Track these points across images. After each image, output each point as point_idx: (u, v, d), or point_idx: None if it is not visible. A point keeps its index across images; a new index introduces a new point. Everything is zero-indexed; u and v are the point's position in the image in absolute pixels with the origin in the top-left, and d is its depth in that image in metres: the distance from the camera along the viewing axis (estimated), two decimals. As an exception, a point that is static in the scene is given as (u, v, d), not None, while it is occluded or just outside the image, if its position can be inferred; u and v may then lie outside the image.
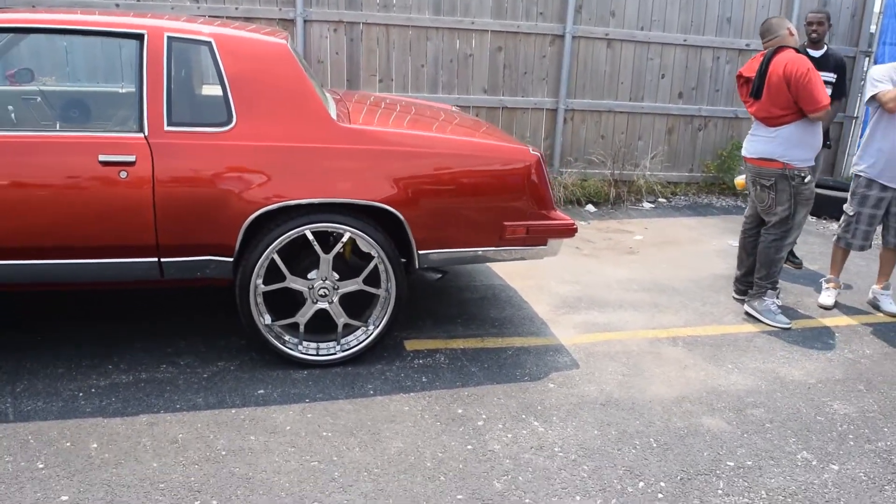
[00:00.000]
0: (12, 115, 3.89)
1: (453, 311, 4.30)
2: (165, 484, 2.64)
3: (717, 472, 2.91)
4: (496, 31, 6.60)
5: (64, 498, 2.55)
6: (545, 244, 3.70)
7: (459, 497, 2.66)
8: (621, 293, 4.77)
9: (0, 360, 3.44)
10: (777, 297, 4.47)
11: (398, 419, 3.14)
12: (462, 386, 3.45)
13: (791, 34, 4.21)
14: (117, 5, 5.91)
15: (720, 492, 2.79)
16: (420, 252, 3.48)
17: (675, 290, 4.87)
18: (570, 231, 3.72)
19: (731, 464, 2.97)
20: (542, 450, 2.98)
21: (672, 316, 4.44)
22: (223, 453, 2.84)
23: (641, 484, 2.81)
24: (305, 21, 6.17)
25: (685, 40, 7.11)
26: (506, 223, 3.56)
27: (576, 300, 4.59)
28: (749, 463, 2.98)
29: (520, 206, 3.58)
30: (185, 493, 2.59)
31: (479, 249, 3.60)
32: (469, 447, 2.97)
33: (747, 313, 4.48)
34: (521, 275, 4.92)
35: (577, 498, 2.70)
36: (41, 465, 2.71)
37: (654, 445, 3.07)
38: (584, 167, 7.08)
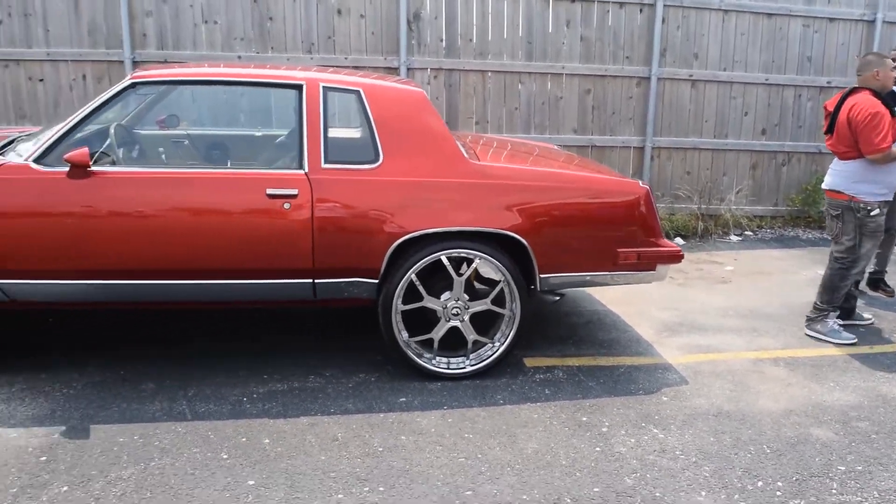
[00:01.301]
0: (183, 154, 4.44)
1: (564, 333, 4.62)
2: (336, 473, 3.02)
3: (830, 474, 3.15)
4: (585, 75, 6.99)
5: (251, 482, 2.94)
6: (654, 269, 4.00)
7: (596, 490, 2.97)
8: (719, 319, 5.01)
9: (171, 370, 3.90)
10: (838, 318, 4.68)
11: (529, 425, 3.47)
12: (582, 398, 3.76)
13: (876, 77, 4.43)
14: (239, 57, 6.50)
15: (834, 491, 3.02)
16: (542, 276, 3.83)
17: (771, 316, 5.09)
18: (677, 257, 4.02)
19: (843, 468, 3.20)
20: (664, 453, 3.27)
21: (770, 339, 4.67)
22: (380, 449, 3.21)
23: (760, 483, 3.06)
24: (408, 69, 6.66)
25: (767, 79, 7.38)
26: (619, 250, 3.89)
27: (676, 325, 4.86)
28: (859, 468, 3.21)
29: (631, 235, 3.91)
30: (354, 481, 2.96)
31: (595, 273, 3.93)
32: (597, 449, 3.28)
33: (810, 336, 4.68)
34: (621, 302, 5.22)
35: (703, 493, 2.98)
36: (225, 456, 3.12)
37: (768, 451, 3.32)
38: (671, 202, 7.36)
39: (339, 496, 2.86)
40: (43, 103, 6.47)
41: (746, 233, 7.44)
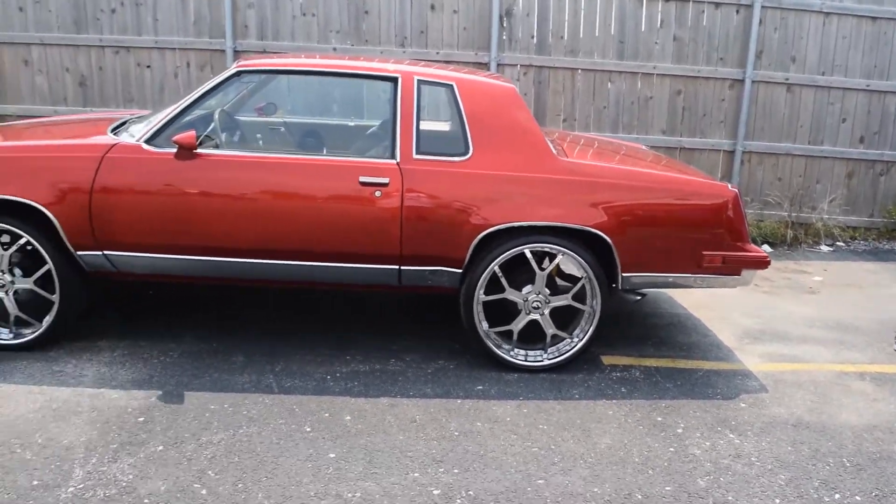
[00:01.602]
0: (280, 140, 4.63)
1: (643, 333, 4.62)
2: (413, 453, 3.13)
3: (913, 493, 3.08)
4: (676, 76, 6.91)
5: (331, 455, 3.08)
6: (739, 274, 3.97)
7: (668, 489, 2.99)
8: (804, 329, 4.91)
9: (260, 345, 4.09)
10: None
11: (604, 421, 3.50)
12: (659, 398, 3.77)
13: None
14: (334, 49, 6.69)
15: (917, 509, 2.96)
16: (624, 274, 3.85)
17: (860, 330, 4.96)
18: (763, 263, 3.97)
19: (927, 487, 3.12)
20: (739, 458, 3.25)
21: (858, 353, 4.55)
22: (456, 433, 3.30)
23: (837, 496, 3.02)
24: (498, 65, 6.73)
25: (868, 85, 7.14)
26: (704, 252, 3.87)
27: (759, 332, 4.79)
28: (945, 488, 3.13)
29: (717, 237, 3.88)
30: (430, 462, 3.06)
31: (679, 275, 3.92)
32: (671, 449, 3.29)
33: None
34: (702, 306, 5.17)
35: (777, 501, 2.96)
36: (308, 429, 3.27)
37: (847, 465, 3.26)
38: (760, 208, 7.21)
39: (415, 475, 2.97)
40: (149, 88, 6.81)
41: (838, 243, 7.22)
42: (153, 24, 6.67)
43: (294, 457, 3.05)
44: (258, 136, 4.61)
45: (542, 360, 3.93)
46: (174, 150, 3.63)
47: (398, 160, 3.67)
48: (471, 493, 2.87)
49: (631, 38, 6.82)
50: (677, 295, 5.36)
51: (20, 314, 3.87)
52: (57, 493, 2.74)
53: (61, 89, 6.84)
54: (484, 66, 6.73)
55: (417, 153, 3.69)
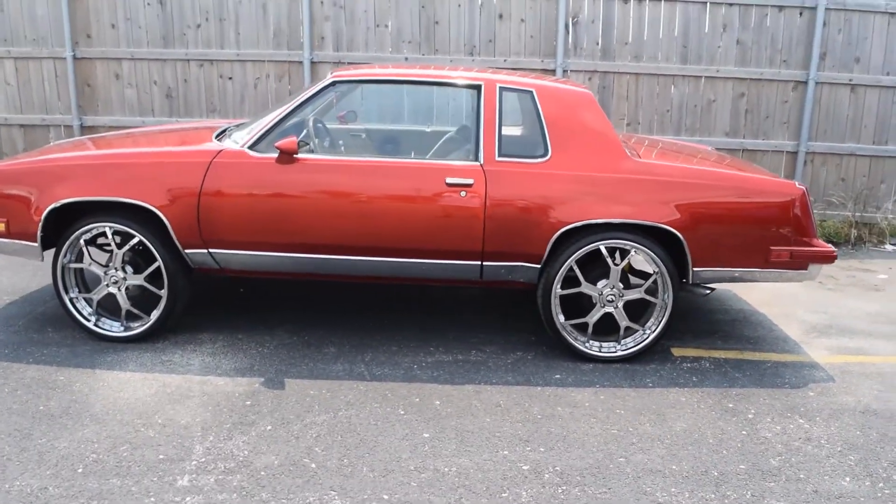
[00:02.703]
0: (365, 145, 4.94)
1: (710, 327, 4.79)
2: (500, 433, 3.37)
3: (982, 475, 3.21)
4: (739, 79, 7.04)
5: (426, 435, 3.34)
6: (806, 269, 4.12)
7: (742, 467, 3.17)
8: (870, 324, 5.02)
9: (349, 336, 4.38)
10: None
11: (678, 406, 3.70)
12: (729, 387, 3.95)
13: None
14: (406, 59, 6.99)
15: None
16: (695, 269, 4.04)
17: (926, 325, 5.05)
18: (829, 258, 4.12)
19: None
20: (809, 441, 3.42)
21: (924, 346, 4.66)
22: (539, 417, 3.53)
23: (907, 476, 3.18)
24: (564, 71, 6.95)
25: (933, 85, 7.16)
26: (772, 247, 4.04)
27: (825, 327, 4.92)
28: None
29: (785, 233, 4.04)
30: (517, 442, 3.30)
31: (747, 269, 4.09)
32: (744, 432, 3.47)
33: None
34: (767, 303, 5.31)
35: (847, 479, 3.12)
36: (402, 412, 3.54)
37: (916, 449, 3.41)
38: (824, 208, 7.28)
39: (505, 452, 3.21)
40: (231, 99, 7.21)
41: (904, 243, 7.26)
42: (235, 38, 7.07)
43: (392, 436, 3.32)
44: (347, 141, 4.92)
45: (615, 352, 4.14)
46: (276, 154, 3.95)
47: (482, 162, 3.94)
48: (557, 468, 3.11)
49: (694, 42, 6.98)
50: (742, 292, 5.51)
51: (131, 308, 4.22)
52: (182, 465, 3.05)
53: (149, 101, 7.28)
54: (550, 72, 6.96)
55: (500, 156, 3.95)
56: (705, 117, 7.13)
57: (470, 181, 3.90)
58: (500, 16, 6.93)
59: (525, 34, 6.97)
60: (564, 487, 2.98)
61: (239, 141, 4.09)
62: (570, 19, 6.90)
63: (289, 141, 3.86)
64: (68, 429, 3.31)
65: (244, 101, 7.20)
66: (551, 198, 3.91)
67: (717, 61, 7.02)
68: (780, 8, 6.94)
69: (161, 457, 3.11)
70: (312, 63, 7.04)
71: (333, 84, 4.08)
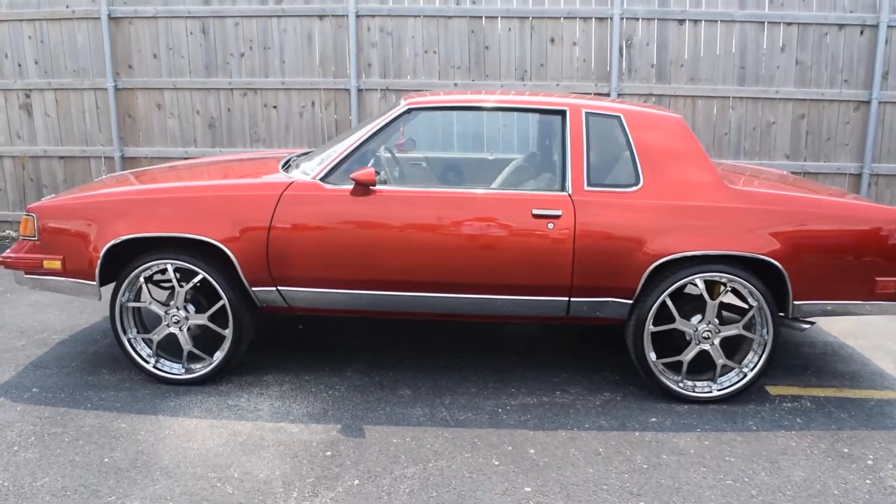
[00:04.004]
0: (439, 174, 4.74)
1: (800, 362, 4.51)
2: (607, 486, 3.11)
3: None
4: (799, 100, 6.80)
5: (527, 489, 3.08)
6: (912, 300, 3.86)
7: (879, 523, 2.90)
8: (965, 356, 4.74)
9: (422, 378, 4.14)
10: None
11: (789, 452, 3.42)
12: (837, 429, 3.67)
13: None
14: (455, 85, 6.80)
15: None
16: (795, 302, 3.78)
17: None
18: (934, 288, 3.85)
19: None
20: (943, 491, 3.14)
21: None
22: (644, 466, 3.27)
23: None
24: (619, 94, 6.73)
25: None
26: (877, 278, 3.78)
27: (919, 360, 4.64)
28: None
29: (890, 263, 3.78)
30: (628, 496, 3.04)
31: (850, 302, 3.83)
32: (867, 481, 3.19)
33: None
34: (852, 334, 5.03)
35: None
36: (496, 462, 3.28)
37: None
38: (890, 232, 7.00)
39: (617, 508, 2.95)
40: (275, 128, 7.04)
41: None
42: (280, 66, 6.91)
43: (490, 490, 3.06)
44: (409, 170, 4.71)
45: (710, 392, 3.87)
46: (350, 186, 3.73)
47: (570, 192, 3.70)
48: (678, 527, 2.84)
49: (752, 63, 6.76)
50: (825, 323, 5.23)
51: (193, 349, 4.00)
52: (269, 525, 2.81)
53: (191, 131, 7.12)
54: (605, 96, 6.75)
55: (588, 185, 3.71)
56: (765, 140, 6.89)
57: (558, 212, 3.67)
58: (552, 40, 6.73)
59: (577, 58, 6.77)
60: (693, 549, 2.71)
61: (309, 172, 3.88)
62: (625, 42, 6.70)
63: (366, 172, 3.65)
64: (138, 484, 3.07)
65: (289, 130, 7.03)
66: (645, 229, 3.67)
67: (775, 82, 6.79)
68: (841, 26, 6.71)
69: (245, 516, 2.87)
70: (359, 90, 6.86)
71: (409, 111, 3.87)
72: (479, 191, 3.80)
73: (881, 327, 5.18)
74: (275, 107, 7.00)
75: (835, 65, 6.78)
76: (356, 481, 3.11)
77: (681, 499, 3.02)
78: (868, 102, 6.81)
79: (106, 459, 3.26)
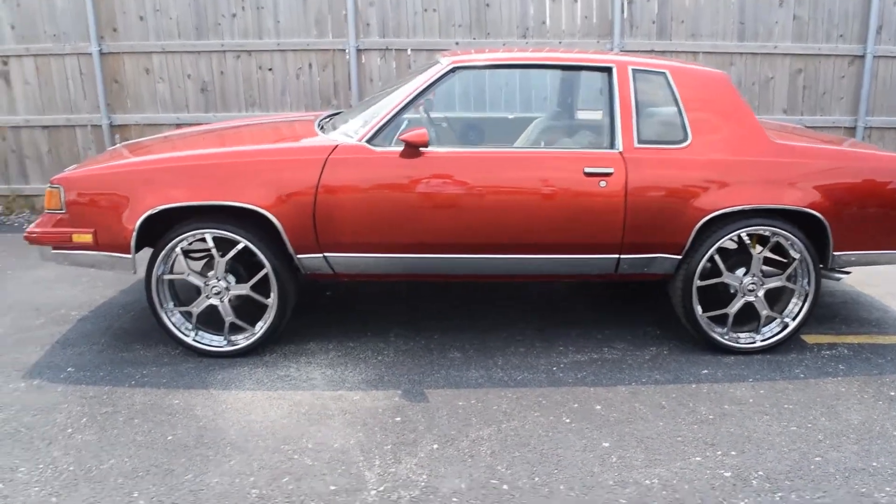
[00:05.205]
0: (485, 134, 4.70)
1: (826, 311, 4.63)
2: (681, 437, 3.17)
3: None
4: (797, 55, 6.89)
5: (605, 444, 3.12)
6: (946, 248, 3.98)
7: (946, 461, 3.01)
8: (976, 298, 4.92)
9: (469, 340, 4.15)
10: None
11: (842, 398, 3.53)
12: (879, 374, 3.79)
13: None
14: (457, 43, 6.72)
15: None
16: (835, 253, 3.87)
17: None
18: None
19: None
20: None
21: None
22: (710, 417, 3.33)
23: None
24: (622, 51, 6.73)
25: None
26: (914, 227, 3.89)
27: (934, 304, 4.81)
28: None
29: (927, 212, 3.90)
30: (704, 446, 3.10)
31: (889, 252, 3.93)
32: (924, 422, 3.32)
33: None
34: (865, 283, 5.16)
35: None
36: (567, 420, 3.32)
37: None
38: (881, 183, 7.19)
39: (697, 459, 3.01)
40: (271, 91, 6.87)
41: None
42: (275, 27, 6.72)
43: (571, 447, 3.09)
44: (464, 130, 4.65)
45: (754, 342, 3.96)
46: (398, 148, 3.67)
47: (621, 150, 3.70)
48: (760, 473, 2.91)
49: (751, 18, 6.81)
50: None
51: (235, 320, 3.92)
52: (362, 496, 2.75)
53: (183, 96, 6.91)
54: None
55: (639, 142, 3.72)
56: (763, 95, 6.97)
57: (610, 170, 3.67)
58: (554, -4, 6.69)
59: (579, 14, 6.74)
60: (781, 494, 2.78)
61: (352, 135, 3.80)
62: (626, -2, 6.69)
63: (419, 133, 3.58)
64: (212, 461, 3.01)
65: (285, 93, 6.87)
66: (694, 185, 3.69)
67: (774, 38, 6.86)
68: (835, -20, 6.79)
69: (333, 488, 2.83)
70: (358, 51, 6.72)
71: (454, 70, 3.80)
72: (530, 150, 3.77)
73: (888, 275, 5.33)
74: (270, 69, 6.82)
75: (831, 20, 6.87)
76: (435, 445, 3.11)
77: (754, 446, 3.10)
78: (862, 57, 6.93)
79: (170, 437, 3.18)
